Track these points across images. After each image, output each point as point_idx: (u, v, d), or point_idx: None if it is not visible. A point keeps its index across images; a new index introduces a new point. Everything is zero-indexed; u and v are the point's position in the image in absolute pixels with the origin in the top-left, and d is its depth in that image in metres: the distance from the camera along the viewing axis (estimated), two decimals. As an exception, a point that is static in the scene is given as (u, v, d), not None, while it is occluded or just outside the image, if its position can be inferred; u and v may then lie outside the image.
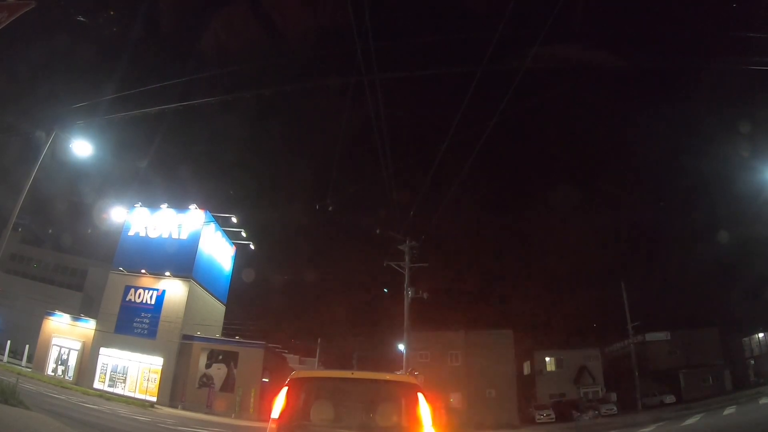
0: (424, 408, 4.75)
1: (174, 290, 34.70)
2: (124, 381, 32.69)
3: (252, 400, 32.25)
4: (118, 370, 33.17)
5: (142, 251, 35.51)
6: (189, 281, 35.02)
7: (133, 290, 34.68)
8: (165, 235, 35.94)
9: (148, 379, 32.67)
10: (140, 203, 36.94)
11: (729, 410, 21.12)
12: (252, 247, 43.14)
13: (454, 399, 35.59)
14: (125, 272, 35.13)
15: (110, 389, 31.73)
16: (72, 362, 33.75)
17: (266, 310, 60.94)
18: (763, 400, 22.90)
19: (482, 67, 9.95)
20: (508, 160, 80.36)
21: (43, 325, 34.72)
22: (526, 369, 45.36)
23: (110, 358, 33.33)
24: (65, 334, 34.50)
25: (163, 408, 28.74)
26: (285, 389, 4.89)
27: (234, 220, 39.49)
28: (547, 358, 44.38)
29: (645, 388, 38.17)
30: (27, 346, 35.14)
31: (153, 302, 34.35)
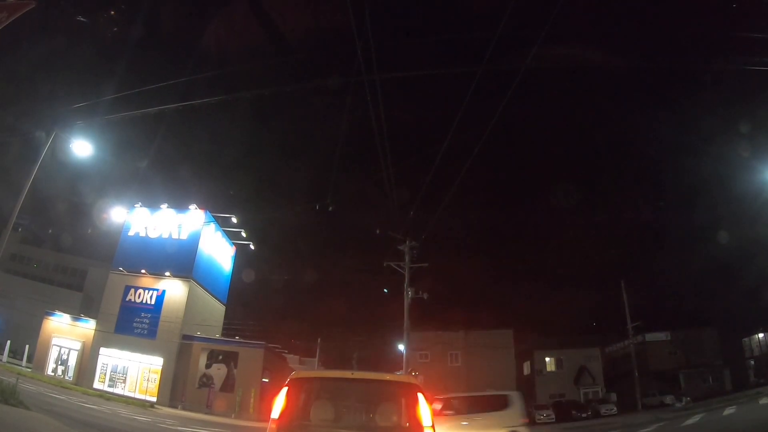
0: (424, 408, 4.75)
1: (174, 290, 34.69)
2: (124, 381, 32.68)
3: (252, 400, 32.25)
4: (118, 370, 33.16)
5: (142, 251, 35.50)
6: (189, 281, 35.02)
7: (133, 290, 34.67)
8: (165, 235, 35.93)
9: (148, 379, 32.67)
10: (140, 203, 36.92)
11: (729, 410, 21.12)
12: (252, 247, 43.13)
13: (454, 399, 35.53)
14: (125, 272, 35.12)
15: (110, 389, 31.71)
16: (72, 362, 33.74)
17: (266, 310, 61.05)
18: (763, 400, 22.89)
19: (482, 67, 9.96)
20: (508, 160, 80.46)
21: (43, 325, 34.71)
22: (526, 369, 45.32)
23: (110, 358, 33.31)
24: (65, 334, 34.49)
25: (163, 408, 28.73)
26: (285, 389, 4.89)
27: (234, 220, 39.45)
28: (547, 358, 44.35)
29: (645, 388, 38.17)
30: (27, 346, 35.12)
31: (153, 302, 34.34)
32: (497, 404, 15.25)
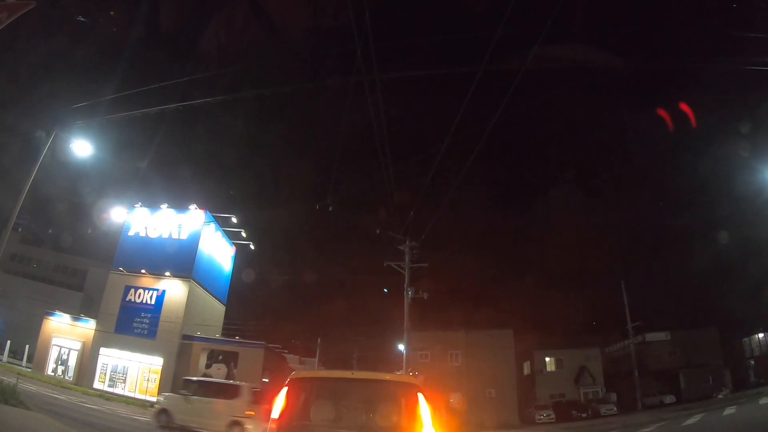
0: (424, 408, 4.75)
1: (174, 290, 34.68)
2: (124, 381, 32.66)
3: (252, 400, 32.24)
4: (118, 370, 33.15)
5: (142, 251, 35.48)
6: (189, 281, 35.00)
7: (133, 290, 34.66)
8: (165, 235, 35.91)
9: (148, 379, 32.65)
10: (140, 203, 36.90)
11: (729, 410, 21.12)
12: (252, 247, 43.10)
13: (454, 399, 35.57)
14: (125, 272, 35.10)
15: (110, 389, 31.71)
16: (72, 362, 33.73)
17: (266, 310, 61.09)
18: (763, 400, 22.92)
19: (482, 67, 9.95)
20: (508, 160, 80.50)
21: (43, 325, 34.70)
22: (526, 369, 45.32)
23: (110, 358, 33.30)
24: (65, 334, 34.48)
25: (163, 408, 28.70)
26: (285, 389, 4.89)
27: (234, 220, 39.44)
28: (547, 358, 44.34)
29: (645, 388, 38.17)
30: (27, 346, 35.14)
31: (153, 302, 34.33)
32: (228, 393, 16.06)
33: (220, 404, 15.62)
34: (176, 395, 16.52)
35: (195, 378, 19.67)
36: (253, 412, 15.61)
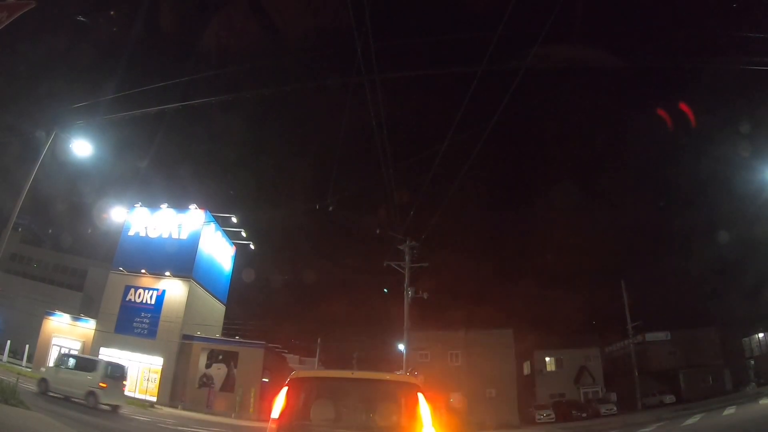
0: (424, 408, 4.75)
1: (174, 290, 34.69)
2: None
3: (252, 400, 32.26)
4: (118, 370, 33.15)
5: (142, 251, 35.50)
6: (189, 281, 35.02)
7: (133, 290, 34.68)
8: (165, 235, 35.94)
9: (148, 379, 32.67)
10: (140, 203, 36.93)
11: (729, 410, 21.11)
12: (252, 247, 43.20)
13: (454, 399, 35.56)
14: (125, 272, 35.12)
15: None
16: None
17: (266, 310, 61.23)
18: (763, 400, 22.90)
19: (482, 67, 9.94)
20: (508, 160, 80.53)
21: (43, 325, 34.73)
22: (526, 369, 45.31)
23: (110, 358, 33.30)
24: (65, 333, 34.51)
25: (163, 408, 28.74)
26: (285, 389, 4.88)
27: (234, 220, 39.49)
28: (547, 358, 44.33)
29: (645, 388, 38.16)
30: (27, 346, 35.10)
31: (153, 302, 34.35)
32: (87, 367, 19.13)
33: (80, 376, 18.38)
34: (53, 367, 19.73)
35: (68, 353, 23.05)
36: (105, 384, 18.17)
